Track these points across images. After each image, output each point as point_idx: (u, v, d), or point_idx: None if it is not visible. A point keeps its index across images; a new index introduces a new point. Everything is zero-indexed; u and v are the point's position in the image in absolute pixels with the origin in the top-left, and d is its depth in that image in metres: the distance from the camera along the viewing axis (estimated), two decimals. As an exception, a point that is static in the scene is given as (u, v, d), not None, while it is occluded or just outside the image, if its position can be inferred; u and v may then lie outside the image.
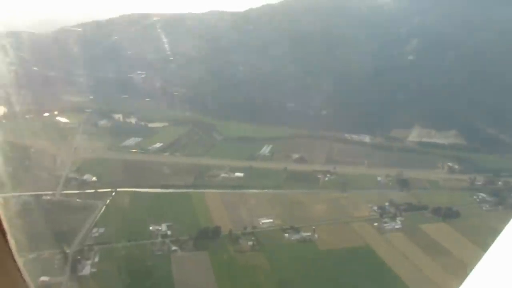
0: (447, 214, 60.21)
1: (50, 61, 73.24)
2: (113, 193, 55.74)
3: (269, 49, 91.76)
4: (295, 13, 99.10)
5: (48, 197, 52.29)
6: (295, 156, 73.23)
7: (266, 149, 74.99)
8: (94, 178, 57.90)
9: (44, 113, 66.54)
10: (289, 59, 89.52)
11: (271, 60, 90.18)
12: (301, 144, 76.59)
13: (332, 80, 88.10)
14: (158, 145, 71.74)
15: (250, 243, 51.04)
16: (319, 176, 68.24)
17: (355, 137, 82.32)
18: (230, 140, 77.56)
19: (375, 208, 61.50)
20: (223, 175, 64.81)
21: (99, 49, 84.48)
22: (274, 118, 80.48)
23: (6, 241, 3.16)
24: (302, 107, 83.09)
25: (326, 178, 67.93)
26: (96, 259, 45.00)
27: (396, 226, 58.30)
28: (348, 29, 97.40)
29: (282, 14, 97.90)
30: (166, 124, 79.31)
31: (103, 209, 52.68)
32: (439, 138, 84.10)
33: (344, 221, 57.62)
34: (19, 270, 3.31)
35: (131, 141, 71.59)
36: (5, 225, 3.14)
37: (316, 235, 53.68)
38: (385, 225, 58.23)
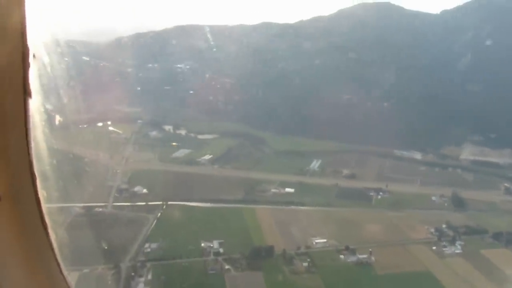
0: (510, 240, 56.33)
1: (104, 71, 73.44)
2: (164, 207, 54.56)
3: (319, 62, 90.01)
4: (346, 26, 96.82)
5: (100, 209, 51.45)
6: (345, 171, 70.68)
7: (315, 164, 72.62)
8: (144, 190, 56.89)
9: (98, 123, 66.44)
10: (340, 73, 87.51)
11: (321, 73, 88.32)
12: (350, 159, 74.10)
13: (381, 95, 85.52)
14: (207, 157, 70.60)
15: (305, 264, 48.63)
16: (371, 193, 65.45)
17: (405, 153, 79.04)
18: (278, 153, 75.66)
19: (432, 230, 58.24)
20: (273, 190, 62.85)
21: (152, 60, 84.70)
22: (322, 132, 78.30)
23: (53, 252, 3.19)
24: (350, 121, 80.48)
25: (379, 196, 65.11)
26: (149, 276, 43.57)
27: (456, 251, 54.85)
28: (400, 44, 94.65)
29: (332, 27, 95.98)
30: (215, 136, 78.36)
31: (154, 223, 51.50)
32: (493, 157, 79.83)
33: (401, 243, 54.60)
34: (67, 284, 3.34)
35: (181, 152, 70.73)
36: (53, 238, 3.14)
37: (373, 258, 50.90)
38: (444, 249, 54.88)
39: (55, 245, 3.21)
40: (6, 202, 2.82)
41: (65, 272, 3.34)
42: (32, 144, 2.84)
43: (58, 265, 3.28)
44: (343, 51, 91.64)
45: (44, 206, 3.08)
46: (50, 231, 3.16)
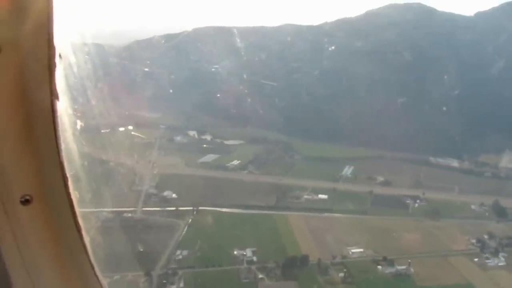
0: (556, 251, 53.28)
1: (123, 74, 72.68)
2: (195, 212, 53.20)
3: (346, 65, 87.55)
4: (373, 28, 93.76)
5: (130, 214, 50.46)
6: (380, 178, 67.99)
7: (347, 170, 70.14)
8: (174, 195, 55.66)
9: (120, 127, 65.64)
10: (368, 77, 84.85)
11: (349, 77, 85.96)
12: (383, 166, 71.23)
13: (413, 100, 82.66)
14: (236, 162, 68.97)
15: (341, 274, 46.58)
16: (407, 201, 62.60)
17: (441, 160, 75.84)
18: (309, 159, 73.19)
19: (473, 241, 55.22)
20: (306, 196, 60.73)
21: (172, 62, 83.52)
22: (353, 138, 75.89)
23: (87, 254, 3.19)
24: (382, 127, 77.74)
25: (416, 204, 62.23)
26: (181, 284, 42.25)
27: (500, 263, 51.83)
28: (430, 47, 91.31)
29: (359, 29, 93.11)
30: (242, 142, 76.56)
31: (185, 229, 50.15)
32: (533, 165, 75.97)
33: (441, 254, 51.91)
34: (101, 286, 3.34)
35: (208, 157, 69.38)
36: (86, 240, 3.16)
37: (412, 269, 48.48)
38: (487, 261, 51.95)
39: (88, 247, 3.18)
40: (38, 203, 2.84)
41: (99, 274, 3.31)
42: (62, 146, 2.82)
43: (92, 267, 3.26)
44: (370, 54, 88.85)
45: (77, 208, 3.06)
46: (83, 233, 3.14)
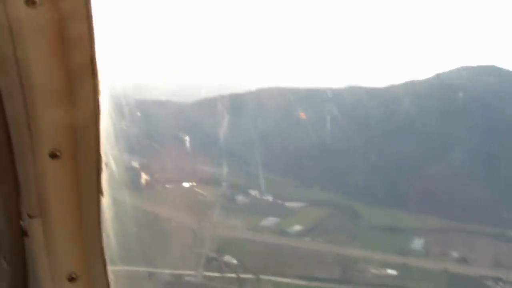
0: None
1: (190, 131, 73.85)
2: (256, 281, 50.73)
3: (416, 130, 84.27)
4: (446, 91, 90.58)
5: (190, 278, 48.93)
6: (454, 254, 62.20)
7: (418, 243, 65.08)
8: (234, 261, 53.75)
9: (183, 183, 65.96)
10: (440, 142, 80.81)
11: (419, 142, 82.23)
12: (457, 239, 65.47)
13: (490, 166, 77.02)
14: (297, 227, 65.94)
15: None
16: (488, 283, 56.21)
17: (523, 235, 68.70)
18: (374, 228, 68.82)
19: None
20: (373, 271, 56.41)
21: (236, 122, 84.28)
22: (424, 206, 70.89)
23: None
24: (456, 196, 72.49)
25: (498, 287, 55.85)
26: None
27: None
28: (506, 111, 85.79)
29: (429, 92, 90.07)
30: (304, 204, 73.55)
31: (247, 299, 47.74)
32: None
33: None
34: None
35: (269, 221, 66.96)
36: None
37: None
38: None
39: None
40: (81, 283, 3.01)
41: None
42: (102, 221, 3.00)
43: None
44: (443, 119, 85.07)
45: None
46: None
